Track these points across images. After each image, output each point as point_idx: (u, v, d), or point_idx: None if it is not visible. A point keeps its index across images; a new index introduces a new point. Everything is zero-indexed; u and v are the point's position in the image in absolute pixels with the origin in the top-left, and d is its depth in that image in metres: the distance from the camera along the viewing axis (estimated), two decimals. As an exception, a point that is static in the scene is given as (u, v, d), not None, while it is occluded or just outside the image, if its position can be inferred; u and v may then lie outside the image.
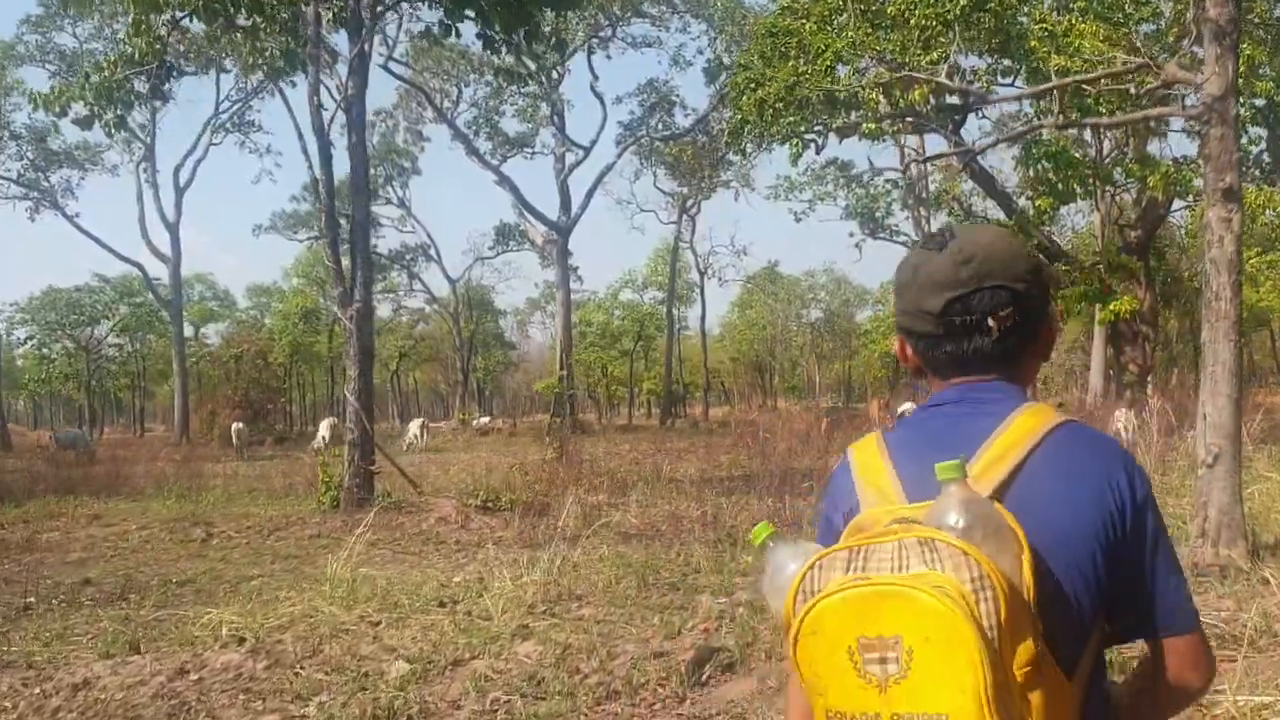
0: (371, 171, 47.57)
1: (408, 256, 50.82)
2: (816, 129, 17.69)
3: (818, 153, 18.25)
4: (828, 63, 16.94)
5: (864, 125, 17.56)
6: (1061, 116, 10.92)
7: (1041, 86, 12.10)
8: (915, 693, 1.05)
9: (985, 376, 1.30)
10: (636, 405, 72.16)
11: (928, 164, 25.63)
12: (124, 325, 55.38)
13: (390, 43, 34.26)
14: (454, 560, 7.90)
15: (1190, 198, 19.82)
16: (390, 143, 45.57)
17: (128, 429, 69.01)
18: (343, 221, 11.18)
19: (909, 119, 21.13)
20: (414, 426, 33.19)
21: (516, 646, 4.66)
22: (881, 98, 18.57)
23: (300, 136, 11.48)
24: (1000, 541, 1.10)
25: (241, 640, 4.80)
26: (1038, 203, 18.70)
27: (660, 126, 37.92)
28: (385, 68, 33.70)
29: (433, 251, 50.17)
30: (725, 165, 39.54)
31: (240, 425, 33.13)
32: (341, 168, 10.86)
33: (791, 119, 16.47)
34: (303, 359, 67.86)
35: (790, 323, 77.29)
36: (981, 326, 1.27)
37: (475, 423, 44.45)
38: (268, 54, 10.27)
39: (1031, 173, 18.79)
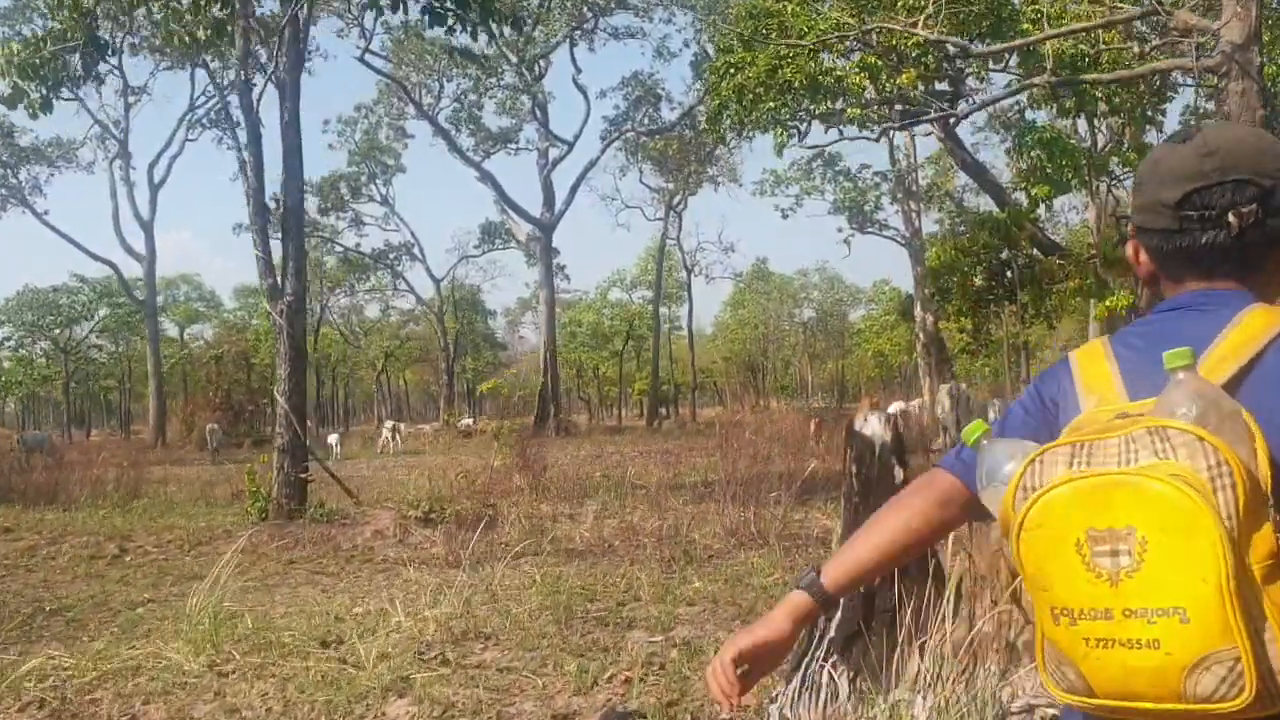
0: (354, 169, 47.02)
1: (391, 255, 49.80)
2: (800, 115, 16.82)
3: (800, 140, 17.38)
4: (810, 46, 16.07)
5: (849, 111, 16.69)
6: (1053, 75, 10.00)
7: (1037, 37, 11.16)
8: (1149, 586, 1.01)
9: (1223, 283, 1.24)
10: (630, 406, 71.36)
11: (916, 156, 24.86)
12: (104, 326, 54.37)
13: (367, 35, 33.34)
14: (373, 583, 7.01)
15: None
16: (373, 139, 44.62)
17: (116, 431, 67.98)
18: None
19: (897, 106, 20.27)
20: (385, 430, 32.33)
21: (387, 706, 3.77)
22: (868, 83, 17.71)
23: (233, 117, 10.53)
24: (1235, 429, 1.05)
25: (43, 703, 3.91)
26: (1033, 191, 17.85)
27: (646, 121, 37.05)
28: (362, 60, 32.80)
29: (417, 250, 49.06)
30: (712, 160, 38.71)
31: (214, 427, 32.25)
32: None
33: (772, 104, 15.59)
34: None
35: (783, 322, 76.57)
36: (1221, 221, 1.20)
37: (460, 424, 43.56)
38: (186, 23, 9.37)
39: (1024, 162, 17.93)
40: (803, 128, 16.86)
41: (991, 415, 18.65)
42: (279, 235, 10.00)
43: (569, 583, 6.27)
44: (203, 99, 40.33)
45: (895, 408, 20.61)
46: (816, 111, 15.96)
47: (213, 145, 43.26)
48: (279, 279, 9.54)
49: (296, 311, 9.60)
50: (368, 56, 35.23)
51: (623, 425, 47.27)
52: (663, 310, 67.92)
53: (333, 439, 28.17)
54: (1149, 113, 20.22)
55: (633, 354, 72.35)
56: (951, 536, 2.99)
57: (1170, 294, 1.27)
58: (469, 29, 9.33)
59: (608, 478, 14.02)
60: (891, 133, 26.60)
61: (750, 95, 15.76)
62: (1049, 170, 18.45)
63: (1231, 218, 1.19)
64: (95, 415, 78.13)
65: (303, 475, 9.46)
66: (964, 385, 16.06)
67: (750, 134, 17.73)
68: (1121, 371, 1.20)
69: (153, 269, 38.40)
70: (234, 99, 41.48)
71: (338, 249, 51.00)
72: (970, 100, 19.34)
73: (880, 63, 16.52)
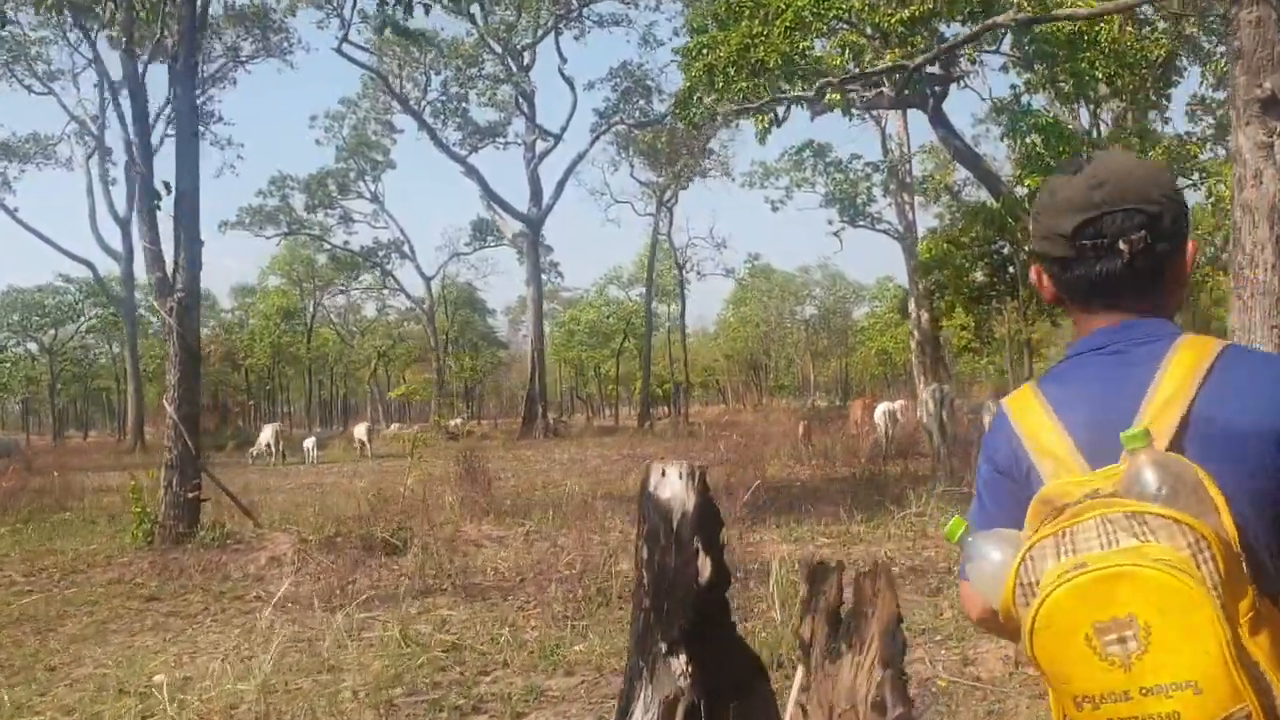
0: (341, 165, 46.03)
1: (381, 253, 48.79)
2: (776, 98, 15.70)
3: (777, 125, 16.25)
4: (787, 23, 14.98)
5: (828, 95, 15.58)
6: (1018, 13, 8.92)
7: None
8: (1159, 664, 1.09)
9: (1125, 312, 1.31)
10: (633, 405, 70.35)
11: (909, 146, 23.68)
12: (90, 326, 53.48)
13: (346, 24, 32.32)
14: (226, 631, 5.95)
15: (1195, 175, 17.84)
16: (361, 135, 43.62)
17: (115, 433, 67.19)
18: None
19: (883, 90, 19.14)
20: (358, 432, 31.31)
21: None
22: (851, 63, 16.61)
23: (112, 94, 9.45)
24: (1200, 500, 1.13)
25: None
26: (1026, 181, 16.73)
27: (637, 114, 35.94)
28: (339, 51, 31.76)
29: (406, 248, 48.02)
30: (705, 153, 37.59)
31: (190, 430, 31.20)
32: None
33: (744, 85, 14.48)
34: (285, 361, 66.23)
35: (784, 320, 75.53)
36: (1114, 249, 1.27)
37: (450, 425, 42.59)
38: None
39: (1020, 148, 16.82)
40: (780, 112, 15.73)
41: (986, 419, 17.49)
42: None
43: (437, 638, 5.20)
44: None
45: (884, 408, 19.52)
46: (792, 93, 14.83)
47: (208, 141, 42.11)
48: (169, 273, 8.50)
49: (189, 309, 8.54)
50: (350, 49, 34.27)
51: (616, 426, 46.16)
52: (663, 308, 67.19)
53: (308, 443, 27.14)
54: (1152, 96, 19.09)
55: (635, 352, 71.43)
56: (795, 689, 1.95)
57: (1082, 323, 1.35)
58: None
59: (554, 492, 12.98)
60: (883, 121, 25.47)
61: (721, 76, 14.67)
62: (1048, 159, 17.35)
63: (1122, 245, 1.26)
64: (98, 417, 77.44)
65: (192, 494, 8.42)
66: (948, 387, 14.96)
67: (725, 118, 16.62)
68: (1067, 429, 1.26)
69: (131, 267, 37.41)
70: (216, 94, 40.63)
71: (326, 247, 50.08)
72: (961, 85, 18.22)
73: (864, 41, 15.44)
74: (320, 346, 70.24)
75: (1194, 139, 18.00)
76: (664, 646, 1.78)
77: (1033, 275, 1.40)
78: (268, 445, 26.86)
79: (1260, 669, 1.08)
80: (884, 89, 19.04)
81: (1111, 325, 1.30)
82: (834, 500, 10.41)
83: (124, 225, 37.09)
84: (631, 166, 38.85)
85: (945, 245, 18.68)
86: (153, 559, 8.12)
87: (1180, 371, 1.21)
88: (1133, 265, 1.26)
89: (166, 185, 8.24)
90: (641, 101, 36.13)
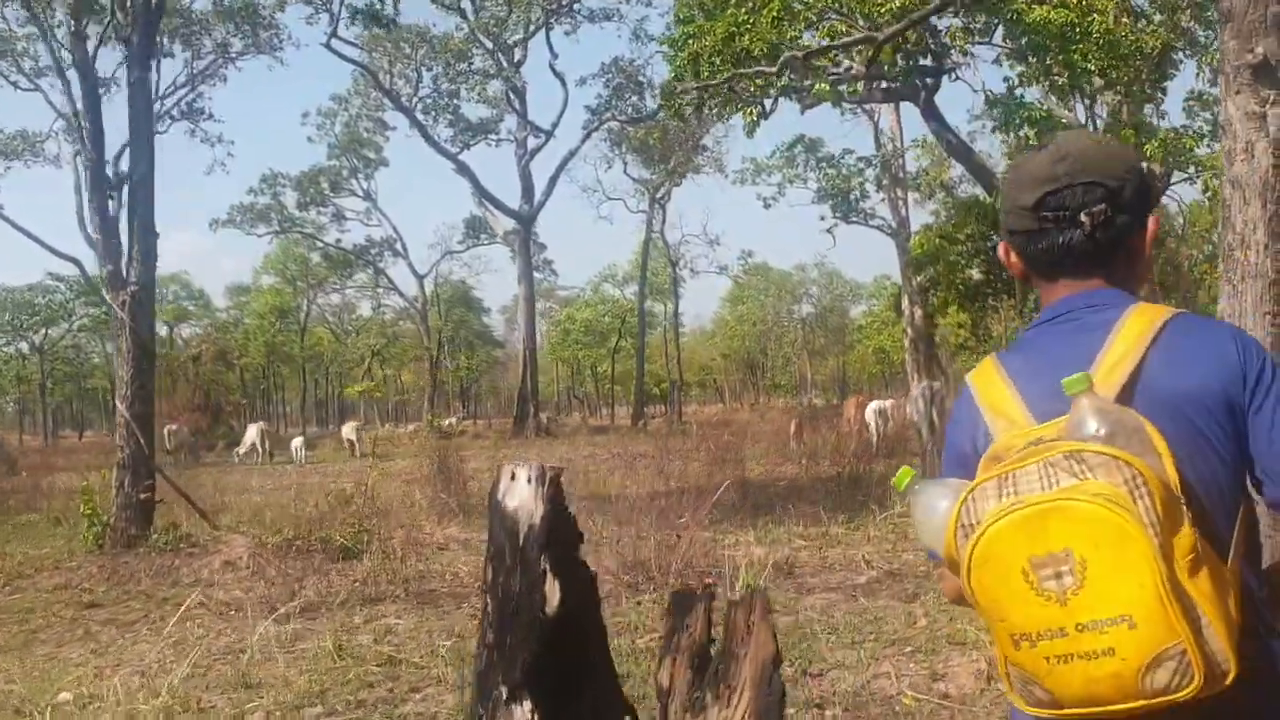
0: (333, 163, 45.69)
1: (373, 251, 48.43)
2: (767, 90, 15.34)
3: (764, 117, 15.89)
4: (774, 12, 14.62)
5: (816, 87, 15.22)
6: None
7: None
8: (1095, 599, 1.10)
9: (1087, 282, 1.34)
10: (630, 404, 69.95)
11: (902, 140, 23.29)
12: (82, 325, 53.11)
13: (335, 18, 31.98)
14: (158, 640, 5.61)
15: (1192, 169, 17.50)
16: (353, 132, 43.30)
17: (110, 434, 66.65)
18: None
19: (877, 83, 18.81)
20: (346, 432, 31.01)
21: None
22: (842, 56, 16.27)
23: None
24: (1141, 441, 1.16)
25: None
26: (1019, 175, 16.42)
27: (630, 110, 35.57)
28: (328, 46, 31.39)
29: (399, 246, 47.70)
30: (699, 150, 37.24)
31: (174, 428, 30.93)
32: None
33: (727, 74, 14.12)
34: (281, 360, 65.96)
35: (782, 318, 75.25)
36: (1075, 221, 1.31)
37: (444, 424, 42.29)
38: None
39: (1013, 139, 16.45)
40: (768, 104, 15.37)
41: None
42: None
43: (374, 650, 4.87)
44: (171, 89, 39.03)
45: (875, 406, 19.21)
46: (780, 85, 14.46)
47: (163, 134, 41.67)
48: (122, 266, 8.16)
49: (142, 304, 8.20)
50: (340, 45, 33.92)
51: (611, 425, 45.83)
52: (659, 306, 66.89)
53: (296, 443, 26.80)
54: (1147, 89, 18.74)
55: (632, 351, 71.04)
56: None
57: (1046, 295, 1.39)
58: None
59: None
60: (876, 116, 25.13)
61: (706, 66, 14.31)
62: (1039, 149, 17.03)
63: (1083, 217, 1.30)
64: (95, 417, 77.05)
65: (144, 495, 8.08)
66: (938, 384, 14.64)
67: (715, 110, 16.26)
68: (1021, 393, 1.30)
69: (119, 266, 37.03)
70: (207, 90, 40.27)
71: (319, 245, 49.75)
72: (953, 77, 17.87)
73: (853, 31, 15.06)
74: (314, 345, 70.02)
75: (1190, 133, 17.63)
76: (504, 691, 1.46)
77: (1001, 251, 1.44)
78: (254, 444, 26.54)
79: (1196, 606, 1.09)
80: (876, 82, 18.71)
81: (1072, 294, 1.34)
82: (817, 500, 10.10)
83: (111, 224, 36.74)
84: (624, 163, 38.51)
85: (938, 241, 18.32)
86: (102, 563, 7.79)
87: (1130, 336, 1.25)
88: (1093, 237, 1.30)
89: (121, 175, 7.91)
90: (634, 97, 35.79)
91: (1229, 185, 3.50)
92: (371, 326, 65.69)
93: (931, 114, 18.64)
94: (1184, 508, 1.13)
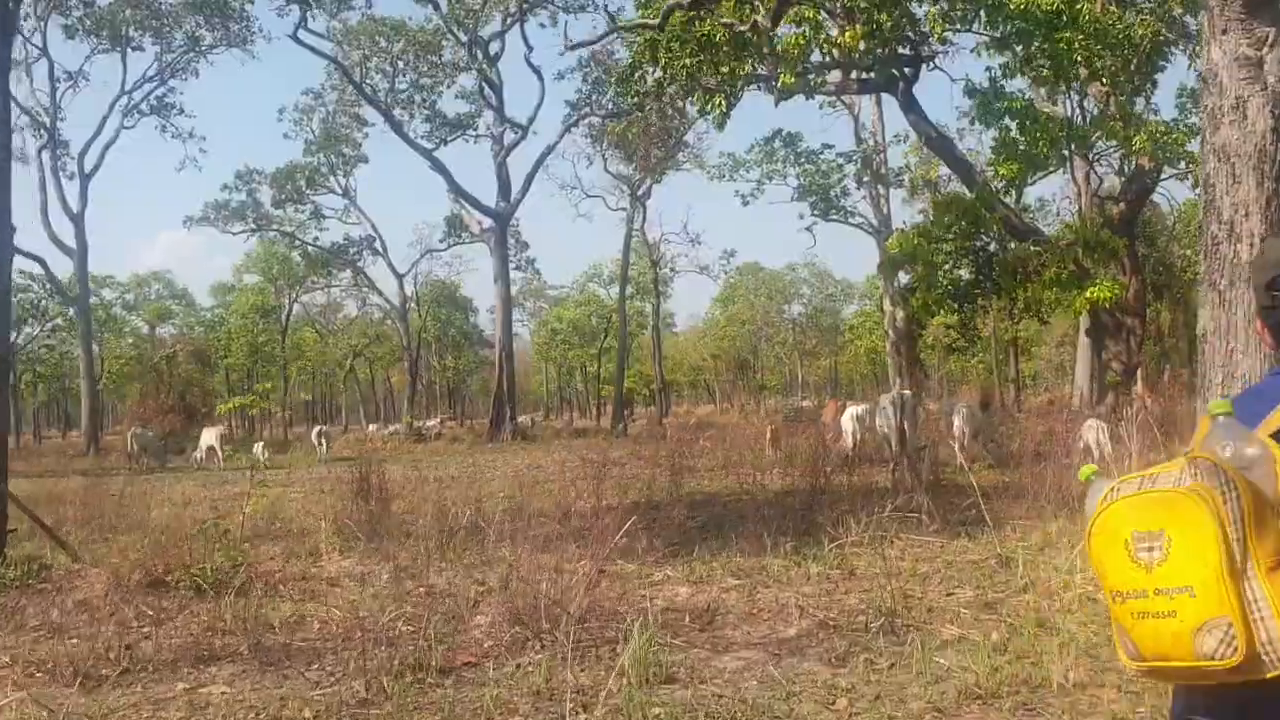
0: (310, 159, 44.64)
1: (352, 250, 47.40)
2: (732, 79, 14.43)
3: (728, 108, 14.97)
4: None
5: (782, 76, 14.30)
6: None
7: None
8: (1171, 571, 1.39)
9: None
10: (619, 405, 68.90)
11: (884, 134, 22.39)
12: (56, 325, 51.96)
13: (303, 10, 31.00)
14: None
15: (1183, 164, 16.61)
16: (330, 128, 42.27)
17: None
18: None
19: (853, 74, 17.91)
20: (313, 435, 30.07)
21: None
22: (805, 41, 15.32)
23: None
24: (1256, 459, 1.41)
25: None
26: (1000, 169, 15.49)
27: (610, 105, 34.62)
28: (295, 38, 30.42)
29: (378, 245, 46.66)
30: (681, 146, 36.33)
31: (138, 430, 29.93)
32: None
33: (688, 60, 13.19)
34: (264, 360, 64.96)
35: (772, 318, 74.37)
36: None
37: (425, 426, 41.39)
38: None
39: (993, 131, 15.58)
40: (729, 93, 14.46)
41: (956, 421, 16.18)
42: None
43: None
44: (141, 81, 38.11)
45: (852, 412, 18.25)
46: (742, 71, 13.55)
47: (130, 129, 40.70)
48: (-26, 265, 7.22)
49: (-2, 303, 7.25)
50: (310, 37, 32.98)
51: (596, 428, 44.82)
52: (649, 306, 65.95)
53: (257, 447, 25.79)
54: (1136, 80, 17.86)
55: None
56: None
57: None
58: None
59: (482, 507, 11.70)
60: (856, 109, 24.22)
61: (664, 51, 13.39)
62: (1023, 145, 16.15)
63: None
64: (79, 418, 75.91)
65: (-8, 523, 7.14)
66: (909, 391, 13.74)
67: (675, 99, 15.36)
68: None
69: (84, 263, 36.04)
70: (178, 84, 39.17)
71: (297, 243, 48.71)
72: (929, 66, 16.97)
73: (819, 17, 14.17)
74: (299, 345, 68.99)
75: (1181, 127, 16.75)
76: None
77: (1256, 326, 1.78)
78: (209, 449, 25.51)
79: (1264, 597, 1.34)
80: (853, 73, 17.83)
81: None
82: (771, 519, 9.20)
83: (76, 220, 35.77)
84: (605, 160, 37.57)
85: (917, 240, 17.40)
86: (-62, 602, 6.83)
87: None
88: None
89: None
90: (616, 93, 34.84)
91: (1213, 157, 2.60)
92: (353, 326, 64.65)
93: (910, 106, 17.76)
94: (1276, 517, 1.37)
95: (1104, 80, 16.56)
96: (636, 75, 14.10)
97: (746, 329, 74.12)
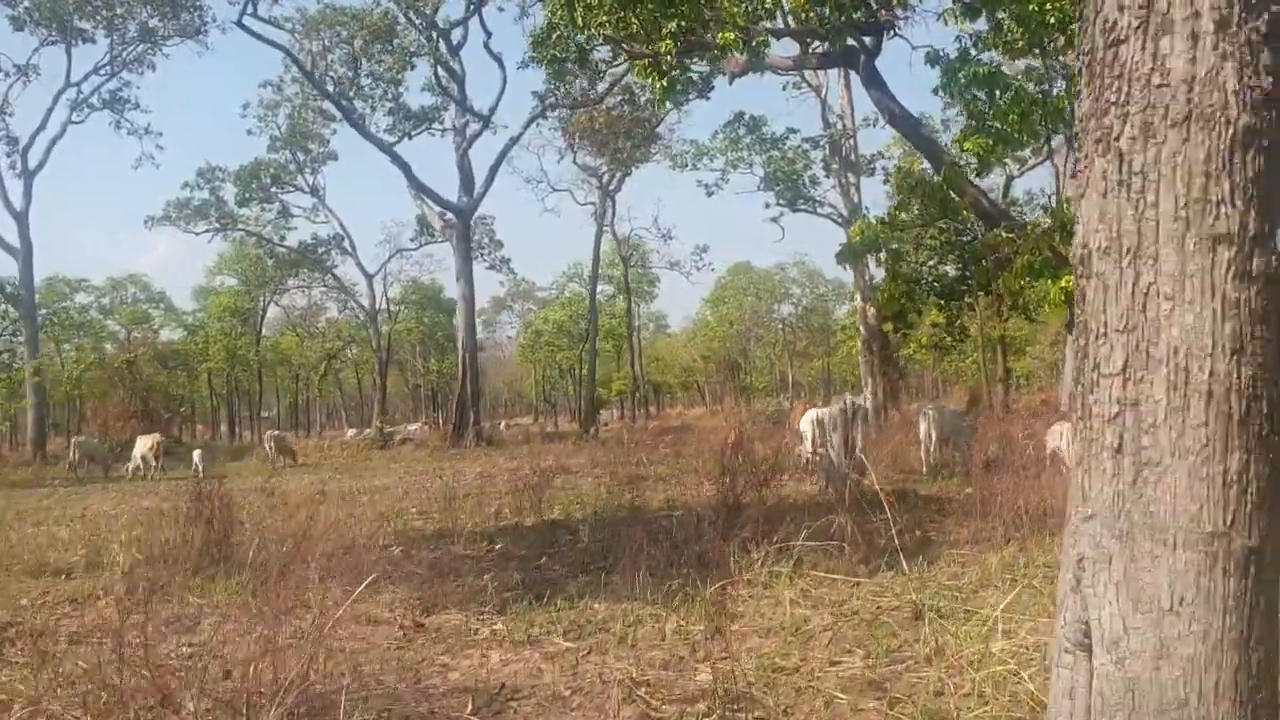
0: (276, 156, 43.10)
1: (320, 249, 45.91)
2: (651, 37, 12.87)
3: (669, 81, 13.44)
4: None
5: (721, 35, 12.76)
6: None
7: None
8: None
9: None
10: (608, 408, 67.47)
11: (853, 119, 20.86)
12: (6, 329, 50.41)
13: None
14: None
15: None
16: (296, 123, 40.78)
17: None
18: None
19: (811, 46, 16.39)
20: (267, 441, 28.57)
21: None
22: (763, 13, 13.84)
23: None
24: None
25: None
26: (967, 146, 13.96)
27: (579, 94, 33.08)
28: (240, 24, 28.89)
29: (347, 244, 45.18)
30: (654, 139, 34.79)
31: (81, 439, 28.47)
32: None
33: (605, 17, 11.66)
34: (242, 364, 63.58)
35: (762, 317, 72.99)
36: None
37: (407, 430, 39.93)
38: None
39: (958, 103, 14.03)
40: (667, 61, 12.92)
41: (923, 426, 14.56)
42: None
43: None
44: (90, 74, 36.63)
45: (812, 415, 16.66)
46: (669, 30, 11.99)
47: (79, 124, 39.20)
48: None
49: None
50: (262, 26, 31.47)
51: (570, 432, 43.28)
52: (641, 307, 64.42)
53: (196, 454, 24.22)
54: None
55: (614, 353, 68.57)
56: None
57: None
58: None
59: (365, 529, 10.18)
60: (823, 91, 22.69)
61: (581, 7, 11.85)
62: (992, 119, 14.61)
63: None
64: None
65: None
66: (855, 398, 12.21)
67: (601, 66, 13.84)
68: None
69: (29, 263, 34.52)
70: (132, 78, 37.63)
71: (263, 243, 47.22)
72: (889, 34, 15.43)
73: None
74: (278, 348, 67.52)
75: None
76: None
77: None
78: (143, 459, 23.98)
79: None
80: (810, 43, 16.31)
81: None
82: (674, 545, 7.70)
83: (20, 219, 34.26)
84: (574, 152, 36.05)
85: (879, 227, 15.86)
86: None
87: None
88: None
89: None
90: (582, 82, 33.33)
91: (1090, 121, 1.19)
92: (334, 329, 63.25)
93: (872, 80, 16.21)
94: None
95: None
96: (553, 38, 12.57)
97: (735, 329, 72.88)
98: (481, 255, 46.58)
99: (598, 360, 62.97)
